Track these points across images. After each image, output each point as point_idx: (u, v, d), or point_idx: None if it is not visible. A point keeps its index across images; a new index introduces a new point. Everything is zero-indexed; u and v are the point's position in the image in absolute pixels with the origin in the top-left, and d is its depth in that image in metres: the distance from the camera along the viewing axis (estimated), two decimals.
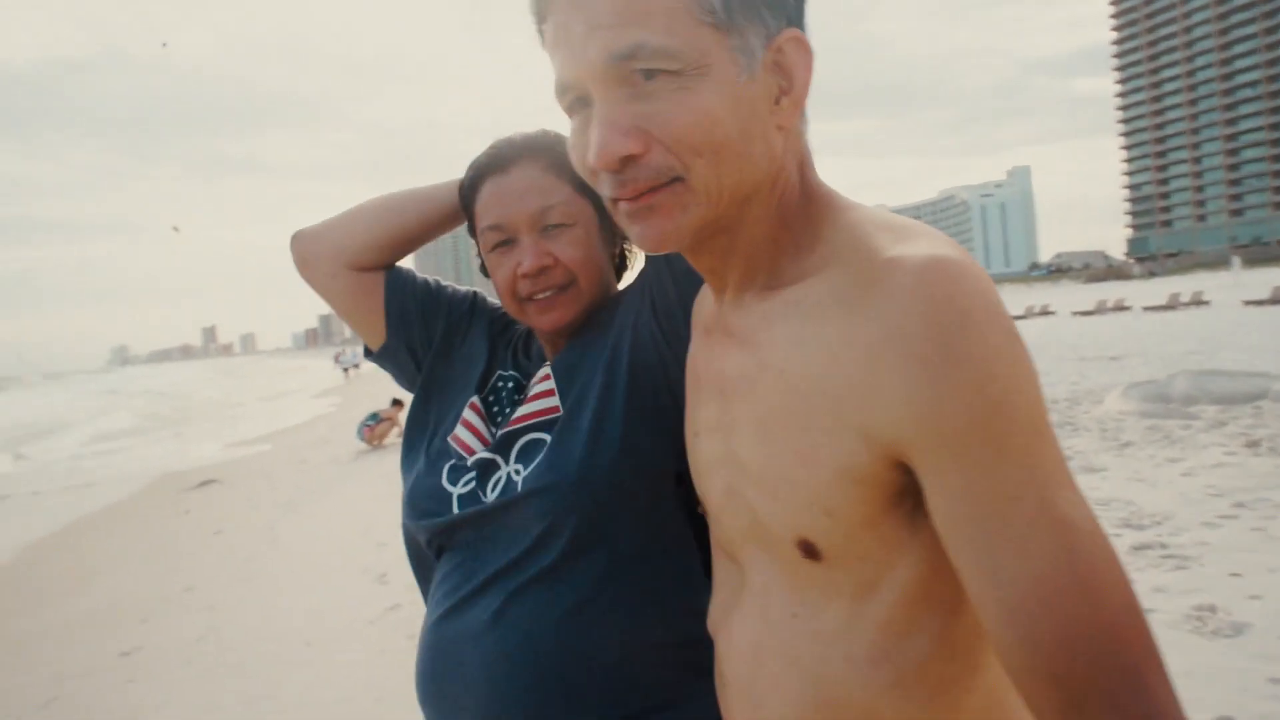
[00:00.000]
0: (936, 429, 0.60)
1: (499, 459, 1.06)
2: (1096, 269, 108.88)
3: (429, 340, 1.23)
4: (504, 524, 1.01)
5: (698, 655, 0.92)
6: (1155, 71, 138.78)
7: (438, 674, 1.02)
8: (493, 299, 1.28)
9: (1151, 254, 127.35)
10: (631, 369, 1.03)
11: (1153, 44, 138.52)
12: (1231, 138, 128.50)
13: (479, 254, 1.17)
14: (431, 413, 1.21)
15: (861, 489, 0.66)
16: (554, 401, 1.07)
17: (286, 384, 48.15)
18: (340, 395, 30.89)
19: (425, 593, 1.15)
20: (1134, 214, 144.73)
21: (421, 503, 1.09)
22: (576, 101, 0.71)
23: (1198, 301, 29.52)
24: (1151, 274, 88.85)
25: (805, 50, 0.71)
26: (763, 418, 0.72)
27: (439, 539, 1.08)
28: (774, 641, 0.76)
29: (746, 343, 0.75)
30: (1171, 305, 29.42)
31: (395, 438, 12.86)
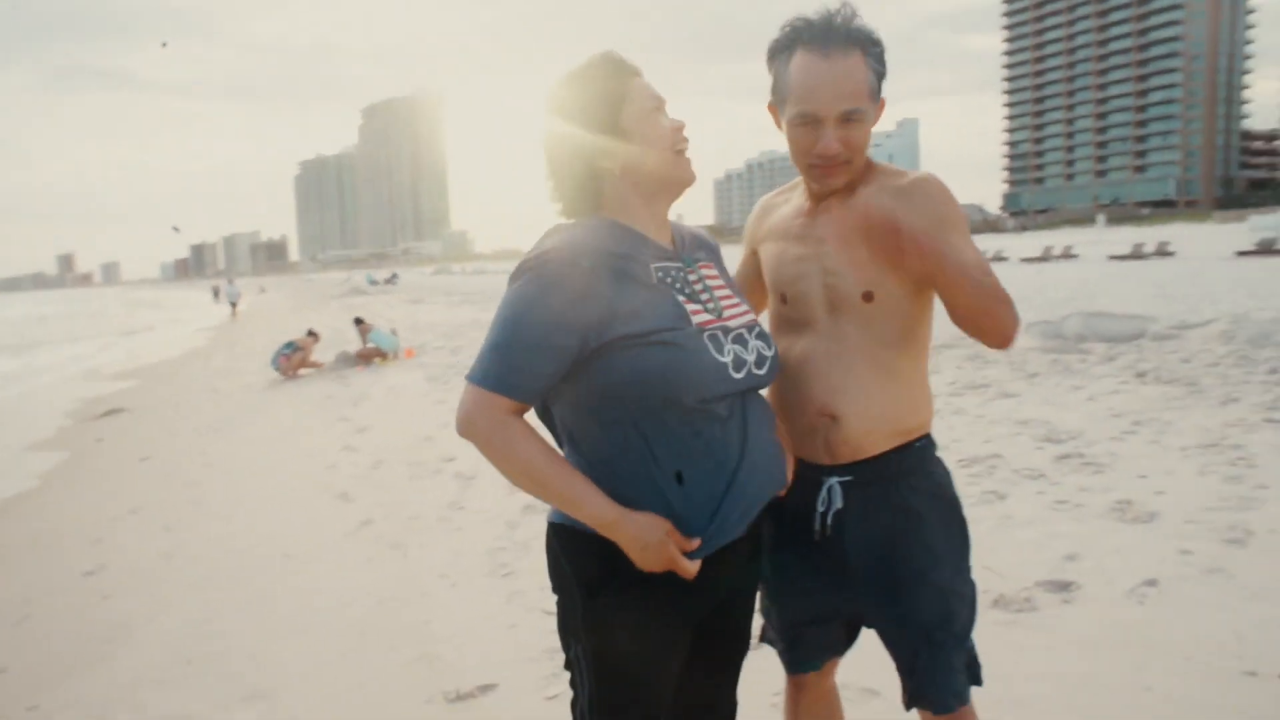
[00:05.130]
0: (938, 229, 1.50)
1: (745, 333, 1.50)
2: (973, 222, 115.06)
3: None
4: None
5: None
6: (1039, 33, 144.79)
7: (751, 464, 1.48)
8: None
9: (1024, 209, 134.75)
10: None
11: (1039, 4, 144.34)
12: (1102, 102, 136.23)
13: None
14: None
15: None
16: (739, 299, 1.56)
17: (159, 318, 45.42)
18: (229, 331, 29.51)
19: (648, 437, 1.40)
20: (1011, 170, 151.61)
21: (713, 372, 1.44)
22: (806, 120, 1.52)
23: (1068, 255, 31.68)
24: (1024, 228, 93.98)
25: (882, 107, 1.59)
26: (851, 238, 1.49)
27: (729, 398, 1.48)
28: (844, 349, 1.58)
29: (840, 213, 1.59)
30: (1045, 257, 31.45)
31: (309, 369, 12.55)
